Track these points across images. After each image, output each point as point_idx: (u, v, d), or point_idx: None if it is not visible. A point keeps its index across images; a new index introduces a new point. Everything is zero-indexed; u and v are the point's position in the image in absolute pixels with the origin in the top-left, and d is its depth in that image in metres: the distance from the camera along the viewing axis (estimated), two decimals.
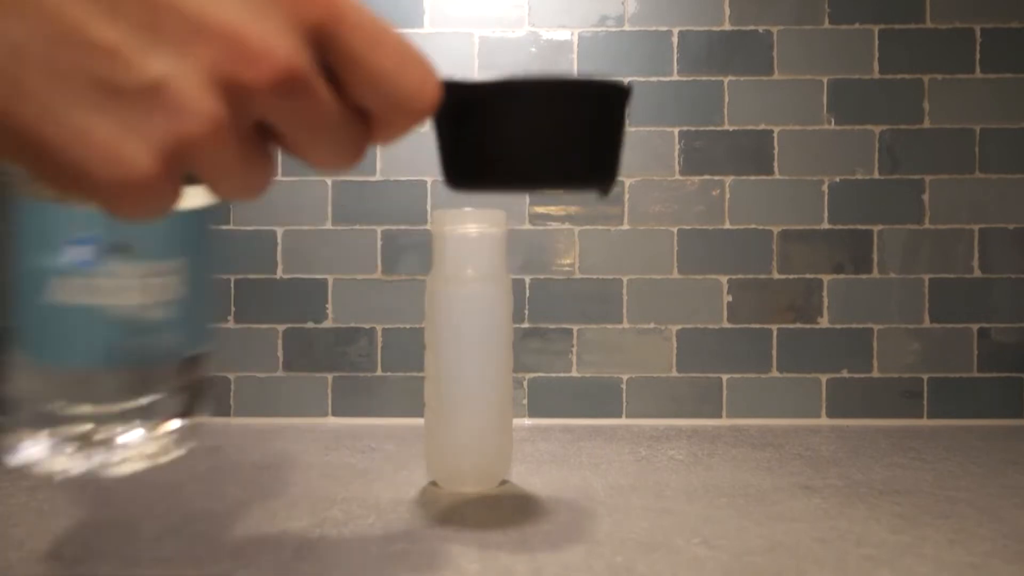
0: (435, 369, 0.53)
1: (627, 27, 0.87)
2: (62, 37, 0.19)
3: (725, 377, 0.87)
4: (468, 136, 0.29)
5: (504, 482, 0.56)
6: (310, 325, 0.87)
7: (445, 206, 0.87)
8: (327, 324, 0.87)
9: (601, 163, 0.29)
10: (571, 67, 0.87)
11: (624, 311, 0.87)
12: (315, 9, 0.21)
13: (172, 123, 0.20)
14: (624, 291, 0.87)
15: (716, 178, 0.87)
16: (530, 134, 0.28)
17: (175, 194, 0.21)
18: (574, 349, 0.87)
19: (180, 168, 0.21)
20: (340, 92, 0.23)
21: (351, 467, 0.61)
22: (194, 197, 0.31)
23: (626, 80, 0.87)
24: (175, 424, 0.36)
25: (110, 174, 0.20)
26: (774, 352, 0.87)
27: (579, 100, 0.28)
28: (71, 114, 0.19)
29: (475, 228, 0.52)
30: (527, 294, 0.87)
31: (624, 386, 0.87)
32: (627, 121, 0.31)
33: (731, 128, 0.87)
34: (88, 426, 0.32)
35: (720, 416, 0.86)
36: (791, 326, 0.87)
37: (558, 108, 0.28)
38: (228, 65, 0.20)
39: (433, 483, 0.55)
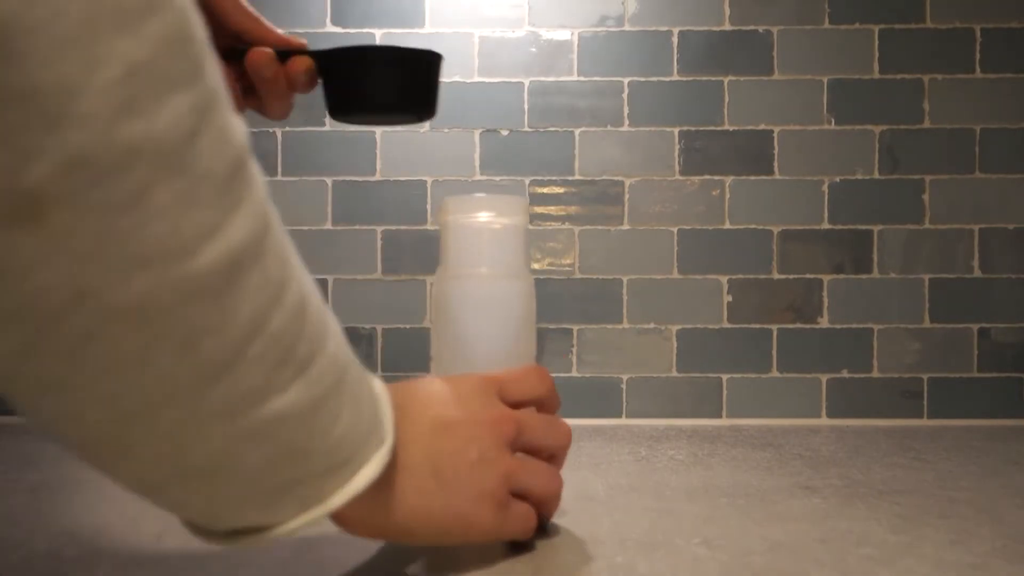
0: None
1: (627, 27, 0.87)
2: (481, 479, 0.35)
3: (725, 377, 0.87)
4: (334, 85, 0.50)
5: None
6: None
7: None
8: None
9: (416, 101, 0.50)
10: (571, 67, 0.87)
11: (624, 311, 0.87)
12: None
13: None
14: (624, 291, 0.87)
15: (716, 178, 0.87)
16: (372, 83, 0.49)
17: None
18: (574, 349, 0.87)
19: None
20: None
21: None
22: None
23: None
24: None
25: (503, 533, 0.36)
26: (774, 352, 0.87)
27: (398, 61, 0.49)
28: (482, 506, 0.34)
29: (491, 217, 0.44)
30: None
31: (624, 386, 0.87)
32: (439, 76, 0.52)
33: (731, 128, 0.87)
34: None
35: (720, 416, 0.86)
36: (791, 326, 0.87)
37: (389, 67, 0.49)
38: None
39: None
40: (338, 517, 0.31)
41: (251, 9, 0.49)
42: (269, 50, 0.48)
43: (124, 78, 0.18)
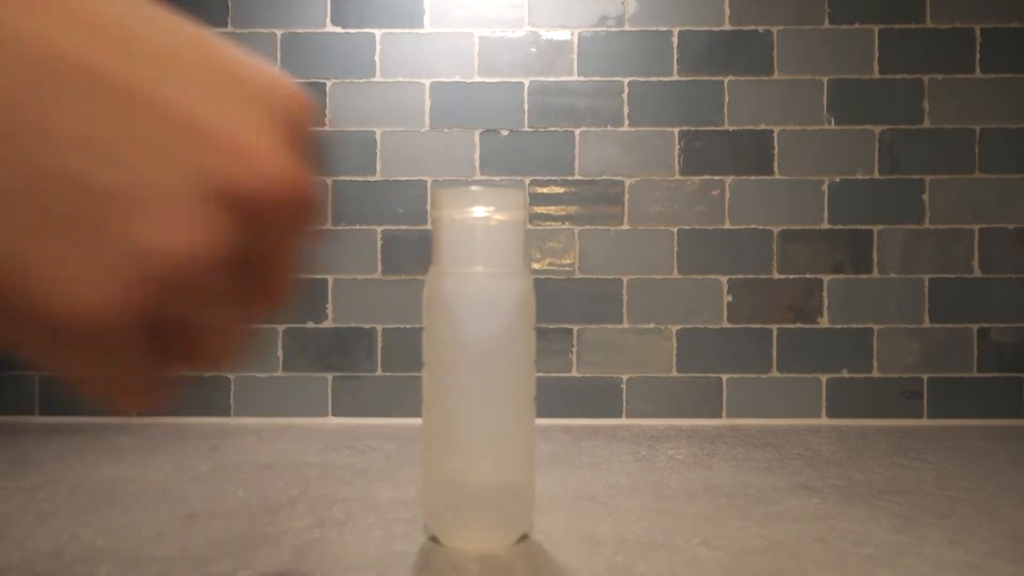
0: (435, 392, 0.41)
1: (627, 27, 0.87)
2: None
3: (725, 377, 0.87)
4: None
5: (524, 537, 0.43)
6: (310, 325, 0.87)
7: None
8: (327, 324, 0.87)
9: None
10: (571, 67, 0.87)
11: (624, 311, 0.87)
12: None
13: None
14: (624, 291, 0.87)
15: (716, 178, 0.87)
16: None
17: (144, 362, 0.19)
18: (574, 349, 0.87)
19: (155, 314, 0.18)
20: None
21: (351, 467, 0.61)
22: None
23: (625, 80, 0.87)
24: None
25: (64, 308, 0.17)
26: (774, 352, 0.87)
27: None
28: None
29: (487, 212, 0.40)
30: None
31: (624, 386, 0.87)
32: None
33: (731, 128, 0.87)
34: None
35: (720, 416, 0.86)
36: (791, 326, 0.87)
37: None
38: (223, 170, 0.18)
39: (432, 538, 0.43)
40: None
41: None
42: None
43: None
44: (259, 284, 0.21)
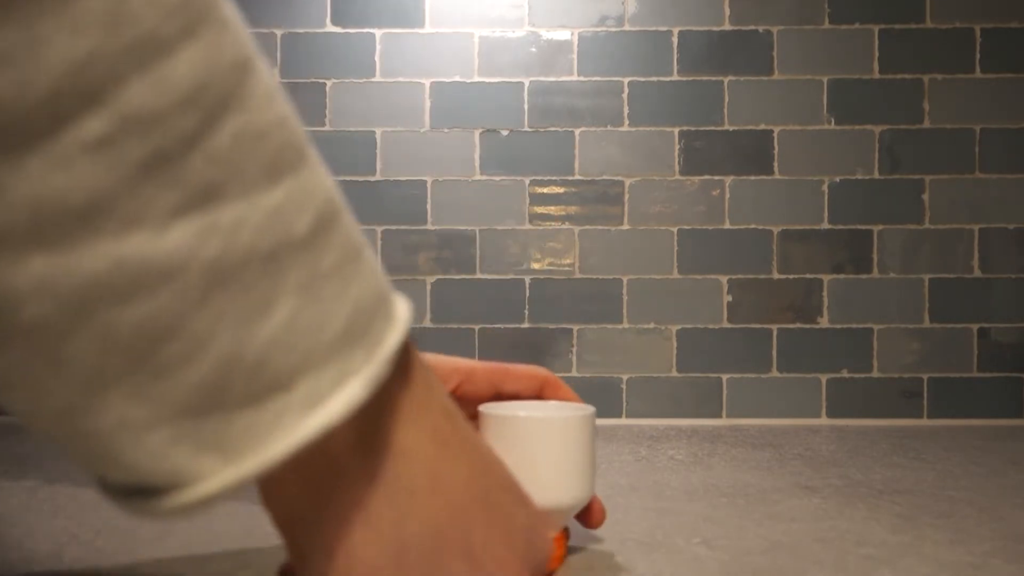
0: None
1: (627, 27, 0.87)
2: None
3: (725, 377, 0.87)
4: None
5: None
6: None
7: (451, 204, 0.87)
8: None
9: None
10: (571, 67, 0.87)
11: (624, 311, 0.87)
12: None
13: None
14: (624, 291, 0.87)
15: (716, 178, 0.87)
16: None
17: None
18: (574, 349, 0.87)
19: None
20: None
21: None
22: None
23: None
24: None
25: None
26: (774, 352, 0.87)
27: None
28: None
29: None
30: (527, 294, 0.87)
31: (624, 386, 0.87)
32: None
33: (731, 128, 0.87)
34: None
35: (720, 416, 0.86)
36: (791, 326, 0.87)
37: None
38: None
39: None
40: (269, 501, 0.21)
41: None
42: None
43: None
44: None
